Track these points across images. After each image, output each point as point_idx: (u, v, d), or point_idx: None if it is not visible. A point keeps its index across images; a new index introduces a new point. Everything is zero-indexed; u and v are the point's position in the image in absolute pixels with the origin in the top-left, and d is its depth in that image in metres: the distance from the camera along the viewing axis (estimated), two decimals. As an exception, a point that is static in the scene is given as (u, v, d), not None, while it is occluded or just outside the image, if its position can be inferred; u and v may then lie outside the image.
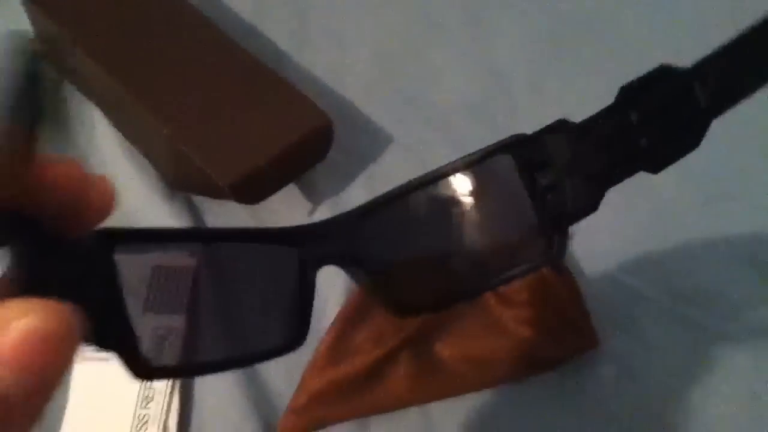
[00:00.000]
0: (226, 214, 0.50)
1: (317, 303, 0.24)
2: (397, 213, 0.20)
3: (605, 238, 0.49)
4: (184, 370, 0.19)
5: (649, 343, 0.44)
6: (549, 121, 0.51)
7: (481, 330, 0.43)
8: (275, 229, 0.20)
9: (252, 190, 0.46)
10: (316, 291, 0.24)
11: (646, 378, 0.43)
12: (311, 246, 0.20)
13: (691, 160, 0.51)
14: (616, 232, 0.50)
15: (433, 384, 0.42)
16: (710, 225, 0.50)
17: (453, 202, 0.17)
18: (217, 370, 0.19)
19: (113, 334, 0.16)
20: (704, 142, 0.55)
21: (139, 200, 0.50)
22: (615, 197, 0.50)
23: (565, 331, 0.42)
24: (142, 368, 0.17)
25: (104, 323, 0.16)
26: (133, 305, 0.16)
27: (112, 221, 0.45)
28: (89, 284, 0.16)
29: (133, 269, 0.17)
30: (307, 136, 0.46)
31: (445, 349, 0.43)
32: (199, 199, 0.51)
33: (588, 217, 0.51)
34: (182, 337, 0.19)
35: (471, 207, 0.17)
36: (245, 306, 0.20)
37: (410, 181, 0.20)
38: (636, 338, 0.45)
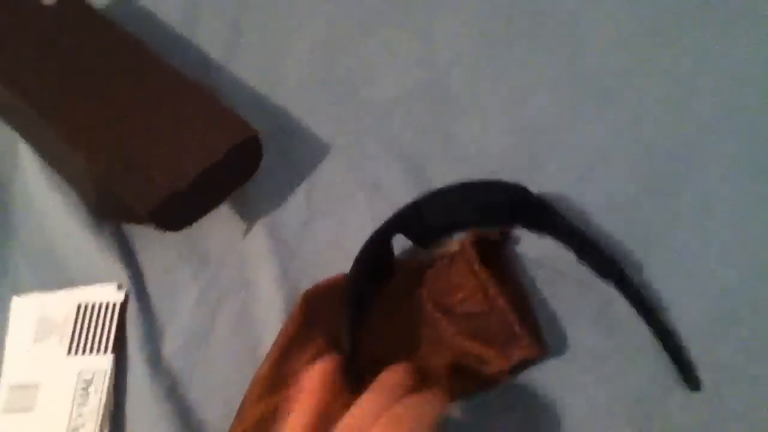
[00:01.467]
0: (157, 241, 0.47)
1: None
2: None
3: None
4: None
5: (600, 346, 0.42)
6: (488, 112, 0.50)
7: (425, 346, 0.41)
8: None
9: (176, 216, 0.43)
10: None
11: (602, 385, 0.41)
12: None
13: (639, 159, 0.50)
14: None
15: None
16: (658, 216, 0.48)
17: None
18: None
19: None
20: (648, 138, 0.53)
21: (64, 230, 0.48)
22: (566, 196, 0.49)
23: (511, 342, 0.40)
24: None
25: None
26: None
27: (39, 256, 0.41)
28: None
29: None
30: (232, 151, 0.44)
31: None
32: (128, 227, 0.48)
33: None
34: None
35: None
36: None
37: None
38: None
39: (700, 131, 0.51)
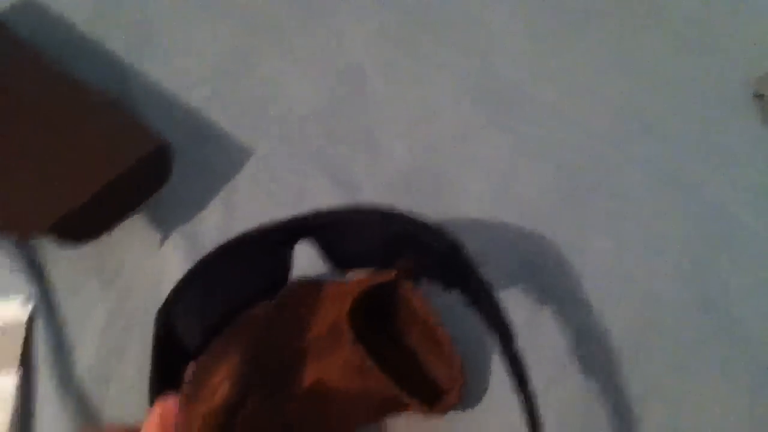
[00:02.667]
0: (67, 253, 0.45)
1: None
2: None
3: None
4: None
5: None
6: (404, 112, 0.54)
7: (339, 369, 0.40)
8: None
9: (81, 229, 0.42)
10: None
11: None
12: None
13: (552, 170, 0.50)
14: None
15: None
16: (572, 226, 0.49)
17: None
18: None
19: None
20: (560, 149, 0.53)
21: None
22: (482, 209, 0.49)
23: (424, 390, 0.39)
24: None
25: None
26: None
27: None
28: None
29: None
30: (139, 163, 0.42)
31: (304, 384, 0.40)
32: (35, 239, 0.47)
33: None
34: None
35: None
36: None
37: None
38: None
39: (610, 140, 0.53)
